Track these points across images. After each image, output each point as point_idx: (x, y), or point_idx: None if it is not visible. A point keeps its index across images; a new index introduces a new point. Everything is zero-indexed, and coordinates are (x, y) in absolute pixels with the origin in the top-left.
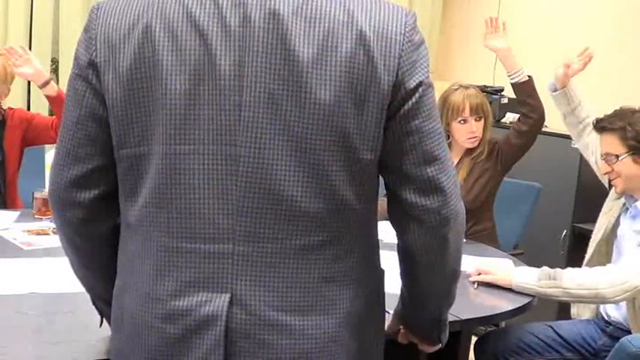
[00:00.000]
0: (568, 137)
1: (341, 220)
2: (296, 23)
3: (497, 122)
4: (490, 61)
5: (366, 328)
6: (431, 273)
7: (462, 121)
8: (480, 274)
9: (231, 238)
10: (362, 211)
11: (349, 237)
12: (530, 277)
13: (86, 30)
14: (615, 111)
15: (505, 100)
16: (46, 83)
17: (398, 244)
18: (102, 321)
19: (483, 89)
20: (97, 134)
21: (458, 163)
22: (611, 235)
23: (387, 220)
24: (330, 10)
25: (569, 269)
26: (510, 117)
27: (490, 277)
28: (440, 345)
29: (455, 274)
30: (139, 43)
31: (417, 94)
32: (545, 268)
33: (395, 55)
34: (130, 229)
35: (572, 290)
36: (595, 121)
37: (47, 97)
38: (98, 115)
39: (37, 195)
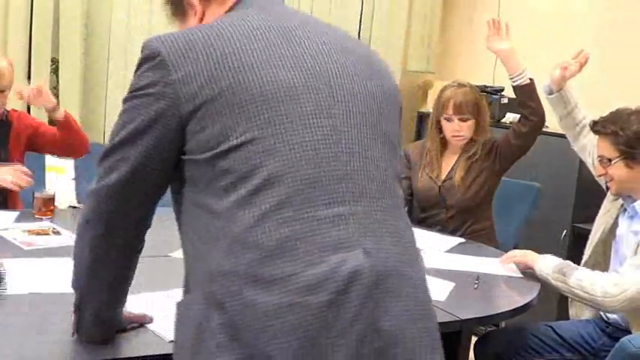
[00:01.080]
0: None
1: (399, 188)
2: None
3: (497, 122)
4: (490, 61)
5: None
6: None
7: (447, 119)
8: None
9: (345, 200)
10: None
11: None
12: (547, 267)
13: (148, 58)
14: (611, 113)
15: (505, 100)
16: (54, 109)
17: None
18: (75, 330)
19: (483, 89)
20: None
21: (455, 162)
22: (610, 236)
23: None
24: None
25: (581, 270)
26: (510, 117)
27: (517, 258)
28: None
29: None
30: (221, 51)
31: None
32: (564, 263)
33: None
34: (236, 234)
35: (575, 290)
36: (591, 123)
37: (56, 121)
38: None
39: (38, 195)
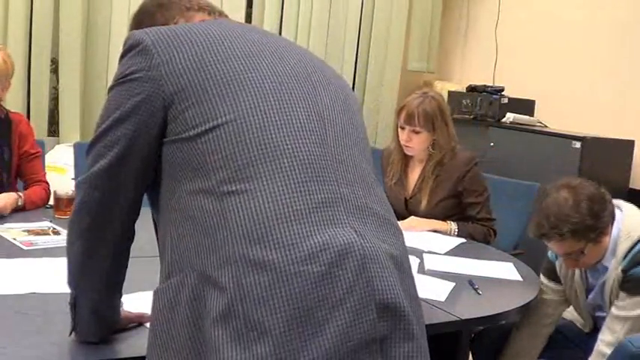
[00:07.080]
0: (568, 137)
1: (369, 168)
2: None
3: (498, 122)
4: (490, 61)
5: None
6: None
7: (400, 127)
8: None
9: (335, 181)
10: None
11: None
12: None
13: (132, 47)
14: (549, 214)
15: (505, 100)
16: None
17: None
18: (73, 329)
19: (483, 89)
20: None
21: (419, 177)
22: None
23: None
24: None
25: None
26: (511, 117)
27: None
28: None
29: None
30: (205, 44)
31: None
32: None
33: None
34: (227, 206)
35: None
36: (538, 235)
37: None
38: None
39: (61, 194)
